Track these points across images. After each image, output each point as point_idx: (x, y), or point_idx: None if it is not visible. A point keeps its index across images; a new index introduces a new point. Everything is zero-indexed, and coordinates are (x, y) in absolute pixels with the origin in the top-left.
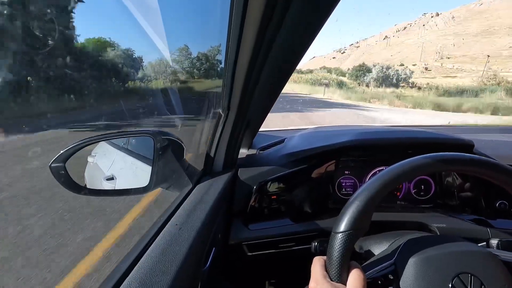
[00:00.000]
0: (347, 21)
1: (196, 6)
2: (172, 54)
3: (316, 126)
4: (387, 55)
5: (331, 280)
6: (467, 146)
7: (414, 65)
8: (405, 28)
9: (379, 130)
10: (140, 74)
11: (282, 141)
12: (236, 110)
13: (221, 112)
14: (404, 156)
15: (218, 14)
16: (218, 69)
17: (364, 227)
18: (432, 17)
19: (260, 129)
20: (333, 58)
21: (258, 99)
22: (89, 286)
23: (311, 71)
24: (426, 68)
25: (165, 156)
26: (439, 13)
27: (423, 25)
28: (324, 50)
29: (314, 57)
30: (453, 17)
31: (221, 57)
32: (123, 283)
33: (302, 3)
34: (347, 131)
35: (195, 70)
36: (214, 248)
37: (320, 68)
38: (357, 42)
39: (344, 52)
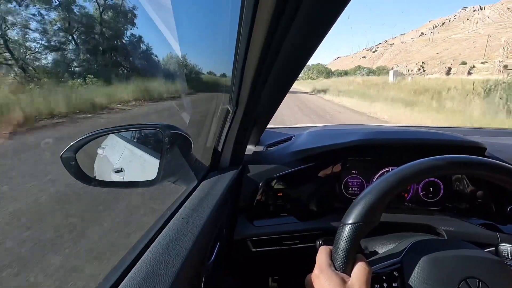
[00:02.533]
0: (368, 19)
1: (207, 3)
2: (182, 49)
3: (324, 124)
4: (432, 53)
5: (336, 270)
6: (479, 149)
7: (484, 63)
8: (443, 23)
9: (388, 130)
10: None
11: (290, 138)
12: (244, 107)
13: (229, 108)
14: (413, 157)
15: (229, 9)
16: (227, 65)
17: (374, 221)
18: (474, 11)
19: (268, 126)
20: (363, 57)
21: (267, 95)
22: (95, 277)
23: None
24: (505, 66)
25: (173, 150)
26: (483, 7)
27: (467, 19)
28: (348, 49)
29: (338, 57)
30: (508, 8)
31: (231, 52)
32: (129, 273)
33: (313, 1)
34: (356, 130)
35: (204, 65)
36: (218, 243)
37: (356, 67)
38: (386, 41)
39: (375, 50)
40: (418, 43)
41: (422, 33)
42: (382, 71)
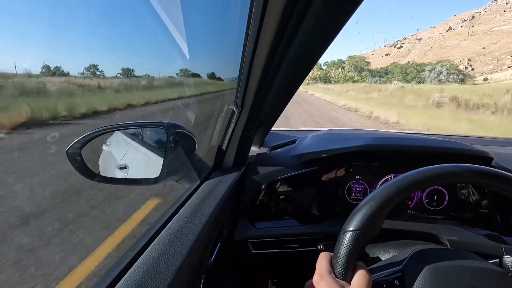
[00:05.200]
0: (375, 20)
1: (216, 2)
2: (190, 49)
3: (329, 128)
4: (475, 48)
5: (336, 277)
6: (486, 159)
7: None
8: (472, 17)
9: (394, 137)
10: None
11: (294, 141)
12: (249, 108)
13: (234, 109)
14: (418, 164)
15: (237, 11)
16: (234, 65)
17: (376, 228)
18: (507, 3)
19: (273, 128)
20: (386, 54)
21: (272, 98)
22: (95, 273)
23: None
24: None
25: (177, 149)
26: None
27: (504, 11)
28: (362, 47)
29: (353, 56)
30: None
31: (238, 53)
32: (130, 269)
33: (322, 4)
34: (361, 135)
35: (211, 65)
36: (219, 244)
37: (391, 64)
38: (405, 38)
39: (400, 47)
40: (451, 38)
41: (450, 28)
42: (450, 67)
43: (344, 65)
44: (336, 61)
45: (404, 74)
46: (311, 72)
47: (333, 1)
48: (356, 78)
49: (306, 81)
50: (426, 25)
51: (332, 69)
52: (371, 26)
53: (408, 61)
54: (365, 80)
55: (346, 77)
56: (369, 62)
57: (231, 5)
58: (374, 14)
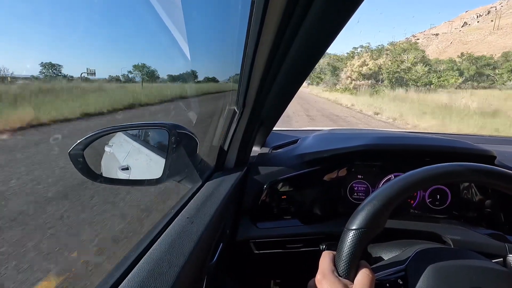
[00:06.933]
0: (376, 19)
1: (217, 2)
2: (191, 49)
3: (331, 128)
4: (507, 42)
5: (339, 276)
6: (489, 157)
7: None
8: (488, 12)
9: (396, 136)
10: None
11: (296, 141)
12: (251, 108)
13: (236, 109)
14: (420, 164)
15: (238, 10)
16: (235, 65)
17: (378, 227)
18: None
19: (274, 128)
20: None
21: (274, 97)
22: (98, 274)
23: None
24: None
25: (179, 150)
26: None
27: None
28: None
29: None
30: None
31: (239, 53)
32: (132, 270)
33: (323, 4)
34: (363, 135)
35: (212, 65)
36: (221, 244)
37: (422, 60)
38: (414, 36)
39: (415, 43)
40: (472, 32)
41: (465, 23)
42: None
43: (388, 54)
44: (378, 47)
45: (457, 72)
46: (354, 67)
47: (332, 3)
48: (428, 78)
49: (340, 81)
50: (436, 21)
51: (390, 60)
52: (373, 25)
53: (462, 53)
54: (448, 82)
55: (417, 77)
56: (424, 51)
57: (232, 5)
58: (376, 12)
